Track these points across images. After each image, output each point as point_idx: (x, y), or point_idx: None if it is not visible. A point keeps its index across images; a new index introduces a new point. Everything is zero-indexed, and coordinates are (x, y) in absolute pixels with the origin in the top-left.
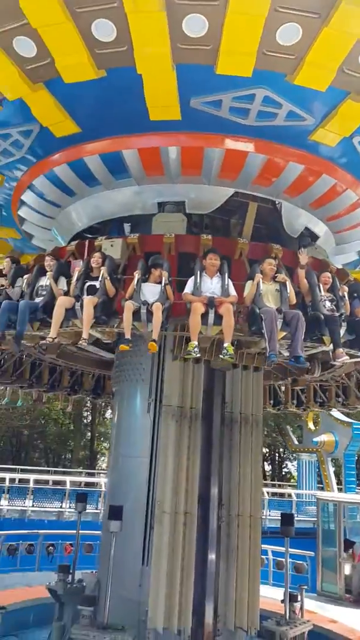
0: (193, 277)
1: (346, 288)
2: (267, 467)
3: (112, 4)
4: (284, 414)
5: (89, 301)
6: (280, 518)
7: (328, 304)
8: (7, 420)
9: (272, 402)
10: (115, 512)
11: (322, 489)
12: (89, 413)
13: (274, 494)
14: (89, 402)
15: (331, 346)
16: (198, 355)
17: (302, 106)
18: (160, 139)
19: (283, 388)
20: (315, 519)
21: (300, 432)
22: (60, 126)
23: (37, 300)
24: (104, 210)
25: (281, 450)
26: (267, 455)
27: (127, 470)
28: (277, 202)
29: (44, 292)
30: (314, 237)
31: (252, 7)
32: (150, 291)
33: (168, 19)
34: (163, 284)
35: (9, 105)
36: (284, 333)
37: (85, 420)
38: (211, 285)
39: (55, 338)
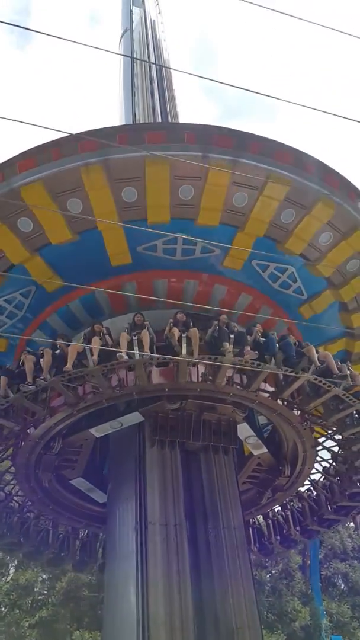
0: None
1: None
2: None
3: (78, 188)
4: None
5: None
6: None
7: None
8: None
9: (257, 547)
10: None
11: None
12: None
13: None
14: None
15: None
16: None
17: (210, 241)
18: (121, 278)
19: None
20: None
21: None
22: (50, 282)
23: None
24: None
25: None
26: None
27: None
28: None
29: None
30: None
31: (162, 179)
32: None
33: (112, 192)
34: None
35: (14, 272)
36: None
37: None
38: None
39: None
